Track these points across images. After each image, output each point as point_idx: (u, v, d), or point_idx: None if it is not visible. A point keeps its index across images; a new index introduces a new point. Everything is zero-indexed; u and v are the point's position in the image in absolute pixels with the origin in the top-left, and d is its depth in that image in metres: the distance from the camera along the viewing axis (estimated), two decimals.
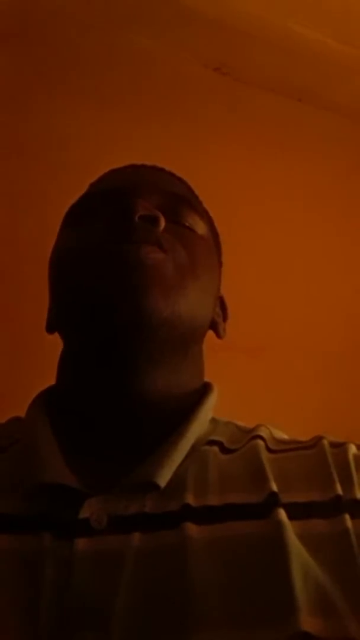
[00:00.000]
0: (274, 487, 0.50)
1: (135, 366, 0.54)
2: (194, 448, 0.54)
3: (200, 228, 0.62)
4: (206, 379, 0.63)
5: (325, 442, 0.55)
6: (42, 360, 0.66)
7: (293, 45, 1.24)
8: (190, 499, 0.49)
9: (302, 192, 1.35)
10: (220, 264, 0.67)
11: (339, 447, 0.54)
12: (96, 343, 0.54)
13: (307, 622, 0.42)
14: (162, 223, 0.56)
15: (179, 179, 0.67)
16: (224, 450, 0.55)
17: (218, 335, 0.66)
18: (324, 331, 1.28)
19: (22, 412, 0.60)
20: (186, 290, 0.55)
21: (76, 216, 0.61)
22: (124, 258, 0.52)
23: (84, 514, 0.47)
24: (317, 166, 1.38)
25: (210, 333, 0.64)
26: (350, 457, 0.53)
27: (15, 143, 1.06)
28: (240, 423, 0.61)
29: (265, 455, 0.54)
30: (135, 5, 1.13)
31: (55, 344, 0.61)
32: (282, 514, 0.48)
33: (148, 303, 0.51)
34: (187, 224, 0.60)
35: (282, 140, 1.34)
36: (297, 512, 0.48)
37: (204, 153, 1.21)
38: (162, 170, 0.66)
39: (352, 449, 0.54)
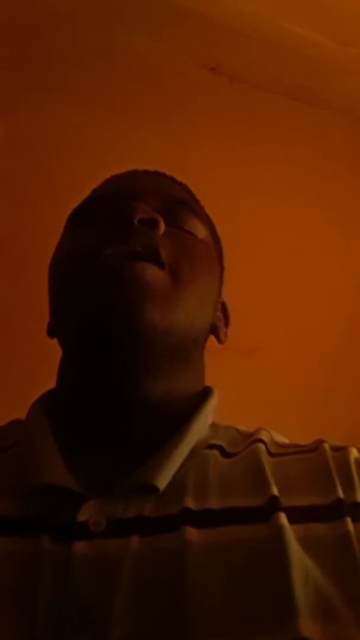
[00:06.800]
0: (275, 491, 0.50)
1: (133, 375, 0.54)
2: (193, 452, 0.54)
3: (201, 232, 0.61)
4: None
5: (326, 445, 0.55)
6: (43, 362, 0.65)
7: (288, 44, 1.24)
8: (190, 503, 0.49)
9: (298, 191, 1.35)
10: (221, 268, 0.67)
11: (340, 451, 0.54)
12: (93, 353, 0.54)
13: (307, 627, 0.41)
14: (162, 226, 0.56)
15: (180, 184, 0.66)
16: (224, 454, 0.55)
17: (219, 340, 0.65)
18: (321, 331, 1.28)
19: (22, 415, 0.60)
20: (184, 299, 0.54)
21: (76, 220, 0.61)
22: (120, 273, 0.52)
23: (82, 517, 0.47)
24: (313, 164, 1.38)
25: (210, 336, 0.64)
26: (352, 461, 0.53)
27: (11, 145, 1.06)
28: (241, 427, 0.61)
29: (266, 459, 0.54)
30: (131, 5, 1.14)
31: (55, 346, 0.60)
32: (283, 517, 0.47)
33: (143, 316, 0.51)
34: (186, 228, 0.60)
35: (278, 139, 1.35)
36: (298, 516, 0.48)
37: (199, 152, 1.21)
38: (163, 175, 0.66)
39: (353, 452, 0.54)
